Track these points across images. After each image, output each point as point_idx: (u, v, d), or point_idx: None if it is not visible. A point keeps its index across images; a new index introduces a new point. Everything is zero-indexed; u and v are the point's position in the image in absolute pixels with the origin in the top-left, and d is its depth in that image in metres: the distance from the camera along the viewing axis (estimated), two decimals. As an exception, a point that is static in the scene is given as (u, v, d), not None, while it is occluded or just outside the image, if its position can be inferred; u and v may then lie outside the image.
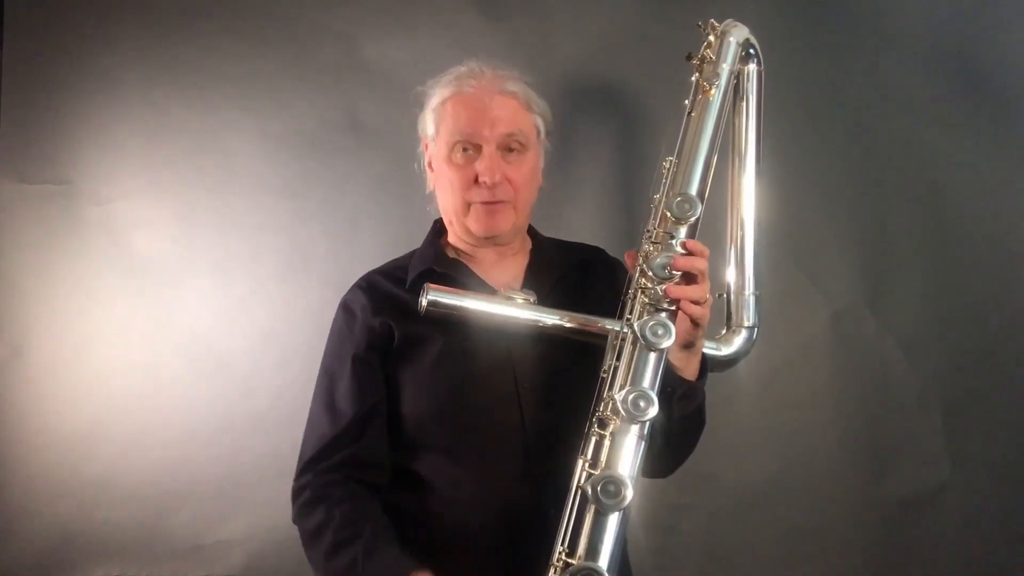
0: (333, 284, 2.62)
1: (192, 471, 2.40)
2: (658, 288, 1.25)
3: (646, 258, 1.28)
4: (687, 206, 1.30)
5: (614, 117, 2.44)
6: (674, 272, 1.25)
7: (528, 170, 1.44)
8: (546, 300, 1.40)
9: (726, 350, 1.57)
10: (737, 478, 2.39)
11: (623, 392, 1.22)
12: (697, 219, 1.31)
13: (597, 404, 1.25)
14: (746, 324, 1.55)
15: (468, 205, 1.43)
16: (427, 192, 1.55)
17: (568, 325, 1.38)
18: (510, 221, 1.43)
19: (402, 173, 2.48)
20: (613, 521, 1.19)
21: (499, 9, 2.45)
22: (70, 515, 2.39)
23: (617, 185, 2.39)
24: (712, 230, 1.58)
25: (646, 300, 1.27)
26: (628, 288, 1.31)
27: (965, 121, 2.44)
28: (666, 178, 1.35)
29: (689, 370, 1.37)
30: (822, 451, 2.40)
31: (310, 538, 1.36)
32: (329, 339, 1.51)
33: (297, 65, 2.47)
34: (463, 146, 1.41)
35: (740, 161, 1.57)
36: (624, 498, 1.19)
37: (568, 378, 1.38)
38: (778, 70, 2.52)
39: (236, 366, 2.43)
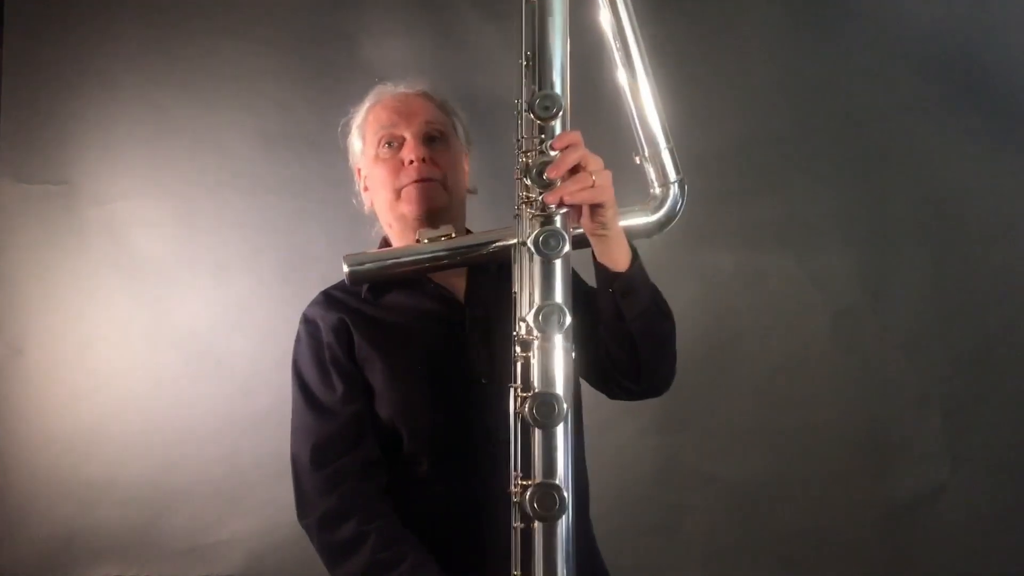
0: (333, 284, 2.63)
1: (192, 471, 2.40)
2: (539, 197, 1.21)
3: (524, 170, 1.23)
4: (548, 102, 1.23)
5: (617, 116, 2.44)
6: (553, 177, 1.20)
7: (452, 157, 1.47)
8: (493, 299, 1.40)
9: (659, 212, 1.48)
10: (737, 478, 2.39)
11: (533, 310, 1.20)
12: (561, 113, 1.24)
13: (515, 327, 1.23)
14: (671, 179, 1.47)
15: (398, 192, 1.45)
16: (367, 214, 1.57)
17: (472, 243, 1.40)
18: (442, 198, 1.45)
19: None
20: (558, 436, 1.19)
21: (499, 9, 2.45)
22: (70, 515, 2.39)
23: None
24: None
25: (531, 212, 1.22)
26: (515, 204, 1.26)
27: (966, 122, 2.44)
28: (522, 78, 1.27)
29: (616, 260, 1.28)
30: (822, 451, 2.40)
31: (339, 552, 1.32)
32: (298, 354, 1.51)
33: (297, 65, 2.47)
34: (387, 141, 1.46)
35: (616, 26, 1.45)
36: (560, 412, 1.18)
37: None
38: (778, 70, 2.53)
39: (236, 366, 2.43)
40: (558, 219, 1.22)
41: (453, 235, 1.42)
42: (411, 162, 1.43)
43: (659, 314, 1.34)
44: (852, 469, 2.40)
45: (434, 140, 1.46)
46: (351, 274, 1.44)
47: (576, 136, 1.23)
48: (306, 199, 2.46)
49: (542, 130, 1.24)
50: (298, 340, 1.50)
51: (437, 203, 1.44)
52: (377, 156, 1.48)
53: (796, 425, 2.40)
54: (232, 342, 2.44)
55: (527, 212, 1.23)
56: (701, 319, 2.36)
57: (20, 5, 2.47)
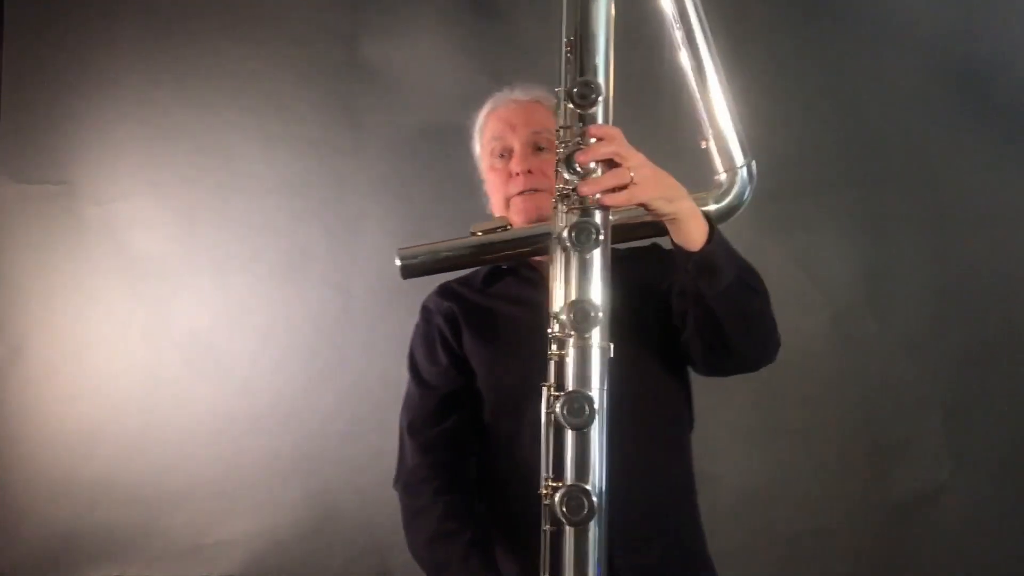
0: (333, 284, 2.65)
1: (192, 471, 2.40)
2: (575, 189, 1.16)
3: (558, 159, 1.18)
4: (587, 90, 1.17)
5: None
6: (591, 166, 1.15)
7: None
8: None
9: (727, 199, 1.45)
10: (737, 478, 2.39)
11: (565, 307, 1.16)
12: (601, 100, 1.17)
13: (549, 324, 1.20)
14: (738, 164, 1.44)
15: (508, 200, 1.50)
16: (488, 215, 1.61)
17: (522, 235, 1.41)
18: (548, 207, 1.44)
19: (402, 173, 2.50)
20: (592, 437, 1.15)
21: (499, 9, 2.45)
22: (70, 515, 2.39)
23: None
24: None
25: (566, 208, 1.17)
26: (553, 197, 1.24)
27: (966, 121, 2.44)
28: (563, 65, 1.21)
29: (690, 239, 1.23)
30: (822, 451, 2.40)
31: (412, 515, 1.41)
32: (412, 338, 1.58)
33: (297, 65, 2.47)
34: (499, 151, 1.52)
35: (678, 5, 1.41)
36: (591, 413, 1.13)
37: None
38: (779, 70, 2.53)
39: (236, 366, 2.43)
40: (596, 212, 1.17)
41: (508, 227, 1.44)
42: (517, 174, 1.48)
43: (745, 289, 1.28)
44: (852, 469, 2.40)
45: (542, 149, 1.49)
46: (404, 268, 1.45)
47: (613, 130, 1.19)
48: (306, 199, 2.46)
49: (581, 119, 1.18)
50: (415, 326, 1.56)
51: (543, 213, 1.44)
52: (492, 166, 1.54)
53: (796, 425, 2.40)
54: (232, 342, 2.44)
55: (562, 205, 1.19)
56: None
57: (20, 5, 2.47)
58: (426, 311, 1.55)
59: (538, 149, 1.49)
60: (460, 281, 1.56)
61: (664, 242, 1.36)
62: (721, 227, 1.30)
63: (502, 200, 1.51)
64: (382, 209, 2.44)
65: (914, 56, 2.46)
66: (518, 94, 1.57)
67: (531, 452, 1.31)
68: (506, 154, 1.51)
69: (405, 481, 1.44)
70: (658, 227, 1.33)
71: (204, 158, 2.46)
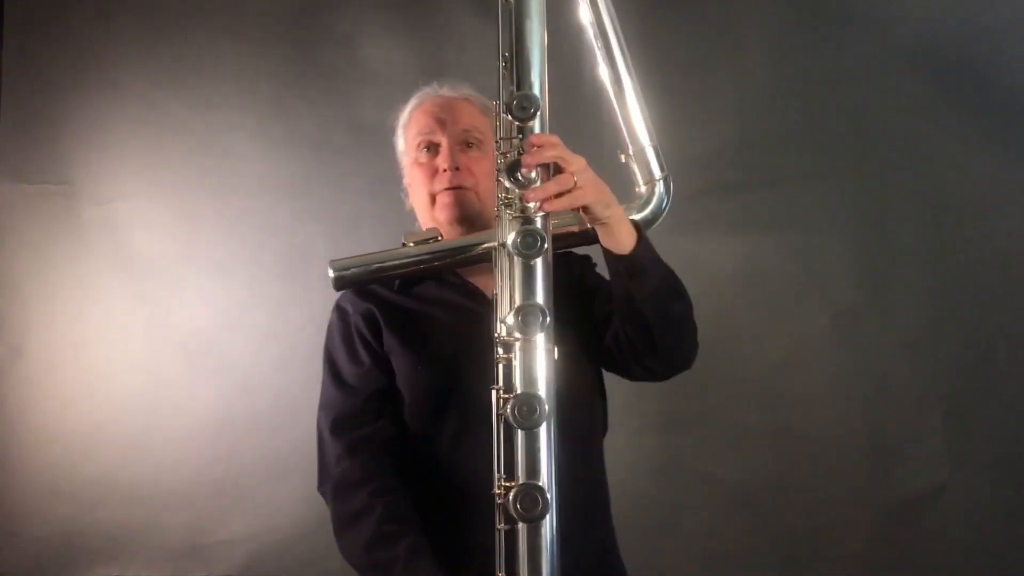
0: (333, 285, 2.64)
1: (192, 471, 2.40)
2: (517, 197, 1.21)
3: (500, 169, 1.23)
4: (526, 103, 1.22)
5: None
6: (532, 175, 1.20)
7: (489, 164, 1.47)
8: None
9: (646, 210, 1.48)
10: (737, 478, 2.39)
11: (512, 311, 1.19)
12: (539, 114, 1.23)
13: (496, 328, 1.23)
14: (656, 176, 1.47)
15: (433, 197, 1.48)
16: (407, 211, 1.59)
17: (456, 246, 1.41)
18: (474, 206, 1.47)
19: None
20: (541, 437, 1.18)
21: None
22: (70, 515, 2.39)
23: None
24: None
25: (511, 214, 1.21)
26: (496, 204, 1.25)
27: (966, 122, 2.44)
28: (500, 80, 1.28)
29: (620, 242, 1.28)
30: (822, 451, 2.40)
31: (347, 520, 1.36)
32: (328, 339, 1.53)
33: (297, 65, 2.47)
34: (425, 145, 1.49)
35: (597, 23, 1.44)
36: (542, 414, 1.17)
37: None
38: (779, 69, 2.53)
39: (236, 366, 2.43)
40: (538, 219, 1.21)
41: (440, 238, 1.44)
42: (444, 170, 1.46)
43: (672, 292, 1.33)
44: (852, 469, 2.40)
45: (471, 146, 1.48)
46: (336, 279, 1.46)
47: (553, 137, 1.23)
48: (306, 199, 2.46)
49: (520, 131, 1.24)
50: (329, 327, 1.53)
51: (468, 211, 1.46)
52: (416, 160, 1.51)
53: (796, 425, 2.40)
54: (232, 342, 2.44)
55: (506, 213, 1.23)
56: (700, 319, 2.34)
57: (20, 5, 2.47)
58: (342, 311, 1.51)
59: (467, 146, 1.48)
60: (377, 283, 1.52)
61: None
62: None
63: (426, 196, 1.48)
64: (382, 209, 2.44)
65: (915, 56, 2.45)
66: (446, 90, 1.55)
67: (454, 453, 1.34)
68: (432, 149, 1.49)
69: (335, 485, 1.39)
70: (583, 237, 1.39)
71: (204, 158, 2.46)
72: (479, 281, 1.48)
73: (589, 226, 1.29)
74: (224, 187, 2.46)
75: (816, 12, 2.48)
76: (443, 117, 1.49)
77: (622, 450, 2.40)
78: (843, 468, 2.40)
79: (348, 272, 1.45)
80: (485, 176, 1.46)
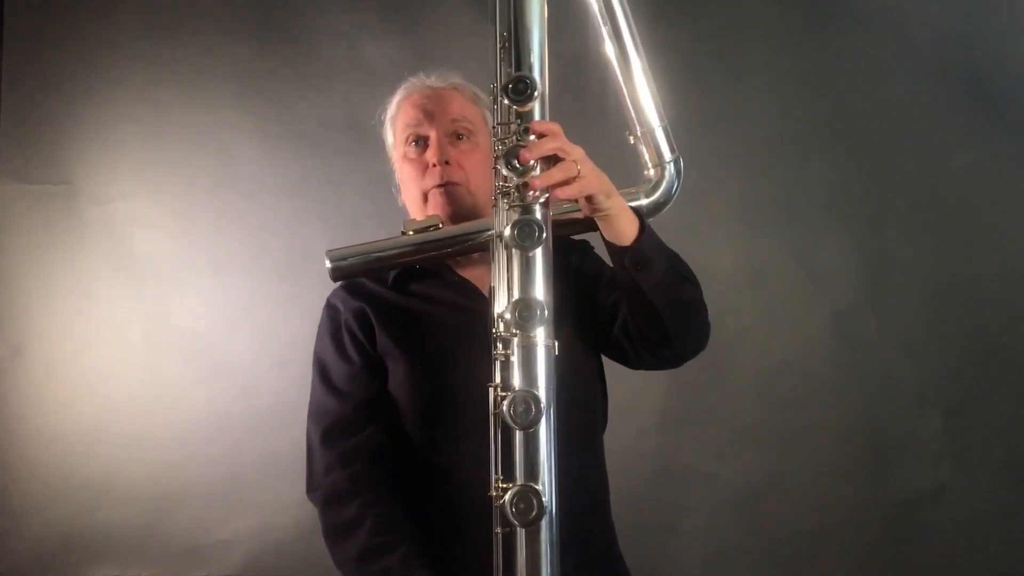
0: (333, 284, 2.64)
1: (192, 471, 2.40)
2: (517, 186, 1.14)
3: (497, 156, 1.16)
4: (523, 86, 1.16)
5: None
6: (531, 164, 1.13)
7: (479, 156, 1.42)
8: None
9: (655, 194, 1.42)
10: (737, 478, 2.39)
11: (508, 306, 1.14)
12: (537, 96, 1.16)
13: (493, 323, 1.17)
14: (667, 158, 1.42)
15: (425, 194, 1.43)
16: (400, 207, 1.56)
17: (456, 234, 1.35)
18: (466, 201, 1.42)
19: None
20: (540, 436, 1.14)
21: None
22: (70, 515, 2.39)
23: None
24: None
25: (507, 204, 1.15)
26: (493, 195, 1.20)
27: (966, 122, 2.44)
28: (498, 61, 1.21)
29: (622, 234, 1.24)
30: (822, 451, 2.40)
31: (339, 531, 1.32)
32: (318, 338, 1.51)
33: (297, 65, 2.47)
34: (413, 139, 1.44)
35: (604, 9, 1.39)
36: (539, 412, 1.12)
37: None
38: (779, 68, 2.53)
39: (236, 366, 2.43)
40: (537, 209, 1.15)
41: (440, 226, 1.37)
42: (434, 164, 1.41)
43: (679, 279, 1.29)
44: (852, 469, 2.40)
45: (460, 138, 1.43)
46: (333, 269, 1.39)
47: (554, 125, 1.18)
48: (306, 199, 2.46)
49: (519, 116, 1.17)
50: (320, 326, 1.47)
51: (461, 206, 1.41)
52: (405, 155, 1.46)
53: (796, 425, 2.40)
54: (232, 342, 2.44)
55: (503, 202, 1.17)
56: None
57: (20, 5, 2.47)
58: (332, 309, 1.46)
59: (456, 138, 1.43)
60: (368, 278, 1.48)
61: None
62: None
63: (418, 193, 1.43)
64: (382, 209, 2.43)
65: (916, 56, 2.46)
66: (434, 80, 1.49)
67: (454, 456, 1.30)
68: (421, 143, 1.43)
69: (326, 495, 1.34)
70: (583, 225, 1.32)
71: (204, 158, 2.46)
72: (476, 276, 1.44)
73: (589, 217, 1.25)
74: (224, 187, 2.46)
75: (817, 13, 2.48)
76: (431, 108, 1.43)
77: (622, 450, 2.40)
78: (843, 468, 2.40)
79: (345, 262, 1.39)
80: (476, 168, 1.42)
